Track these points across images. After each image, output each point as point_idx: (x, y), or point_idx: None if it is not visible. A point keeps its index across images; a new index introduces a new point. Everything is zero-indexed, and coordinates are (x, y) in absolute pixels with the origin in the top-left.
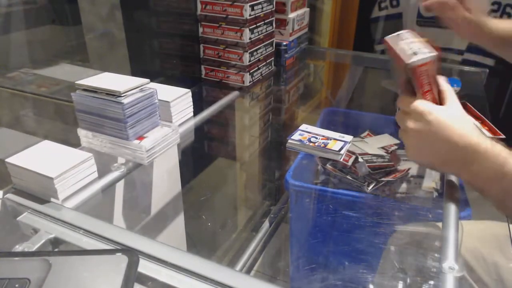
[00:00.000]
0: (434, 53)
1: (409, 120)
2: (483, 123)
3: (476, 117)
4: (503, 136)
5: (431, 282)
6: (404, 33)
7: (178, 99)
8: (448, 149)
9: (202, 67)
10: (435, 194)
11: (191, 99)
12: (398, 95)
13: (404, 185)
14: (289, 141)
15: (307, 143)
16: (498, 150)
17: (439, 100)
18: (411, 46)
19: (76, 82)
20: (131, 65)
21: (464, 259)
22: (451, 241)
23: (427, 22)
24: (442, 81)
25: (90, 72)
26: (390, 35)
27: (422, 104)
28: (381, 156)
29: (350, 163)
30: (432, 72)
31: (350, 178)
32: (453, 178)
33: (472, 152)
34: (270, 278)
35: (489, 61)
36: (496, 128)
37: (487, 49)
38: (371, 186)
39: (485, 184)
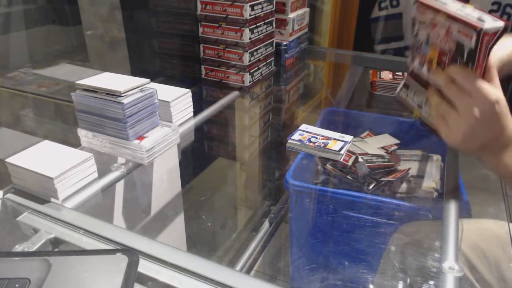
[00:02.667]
0: (502, 23)
1: (472, 105)
2: None
3: None
4: None
5: (431, 282)
6: None
7: (178, 99)
8: (498, 136)
9: (202, 67)
10: (435, 194)
11: (191, 99)
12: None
13: (404, 185)
14: (289, 141)
15: (307, 143)
16: None
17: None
18: (468, 12)
19: (76, 82)
20: (131, 65)
21: (466, 257)
22: (451, 241)
23: None
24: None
25: (90, 72)
26: None
27: (491, 91)
28: (381, 156)
29: (350, 163)
30: (492, 44)
31: (350, 178)
32: (453, 177)
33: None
34: (270, 278)
35: None
36: None
37: None
38: (371, 186)
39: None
